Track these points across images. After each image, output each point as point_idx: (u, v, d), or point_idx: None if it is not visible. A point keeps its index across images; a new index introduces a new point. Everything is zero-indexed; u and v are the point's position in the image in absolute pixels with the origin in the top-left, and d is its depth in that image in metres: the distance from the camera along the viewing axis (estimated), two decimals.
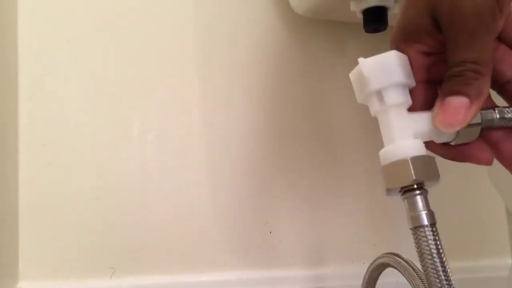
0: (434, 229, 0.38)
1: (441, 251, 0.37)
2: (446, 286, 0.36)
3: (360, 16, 0.79)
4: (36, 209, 0.80)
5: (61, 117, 0.83)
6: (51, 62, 0.83)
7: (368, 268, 0.71)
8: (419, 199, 0.38)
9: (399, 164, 0.38)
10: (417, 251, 0.38)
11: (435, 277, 0.37)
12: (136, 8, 0.89)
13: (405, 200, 0.39)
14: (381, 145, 0.41)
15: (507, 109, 0.40)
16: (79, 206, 0.82)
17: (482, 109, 0.39)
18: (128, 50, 0.87)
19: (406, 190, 0.39)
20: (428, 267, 0.37)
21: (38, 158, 0.81)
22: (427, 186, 0.39)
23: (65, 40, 0.84)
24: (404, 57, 0.40)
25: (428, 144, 0.41)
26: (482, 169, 0.82)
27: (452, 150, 0.42)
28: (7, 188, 0.77)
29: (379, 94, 0.40)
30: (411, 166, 0.38)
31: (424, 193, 0.39)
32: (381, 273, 0.70)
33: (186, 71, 0.90)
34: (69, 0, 0.85)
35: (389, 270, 0.67)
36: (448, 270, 0.37)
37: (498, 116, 0.40)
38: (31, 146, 0.81)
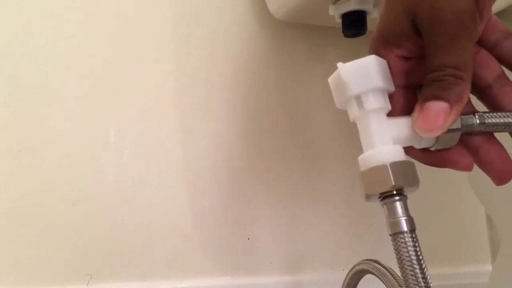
0: (413, 235, 0.38)
1: (420, 257, 0.37)
2: None
3: (339, 21, 0.79)
4: (12, 216, 0.79)
5: (38, 123, 0.82)
6: (27, 67, 0.82)
7: (347, 274, 0.71)
8: (398, 205, 0.38)
9: (378, 169, 0.38)
10: (396, 257, 0.38)
11: (414, 284, 0.37)
12: (111, 16, 0.88)
13: (384, 206, 0.39)
14: (360, 150, 0.40)
15: (487, 114, 0.40)
16: (56, 213, 0.81)
17: (462, 114, 0.39)
18: (105, 56, 0.86)
19: (385, 196, 0.38)
20: (407, 273, 0.37)
21: (14, 164, 0.80)
22: (406, 192, 0.39)
23: (40, 45, 0.83)
24: (383, 61, 0.40)
25: (408, 150, 0.41)
26: (462, 174, 0.82)
27: (431, 156, 0.42)
28: None
29: (358, 99, 0.40)
30: (390, 172, 0.38)
31: (404, 199, 0.38)
32: (360, 279, 0.70)
33: (163, 76, 0.89)
34: (38, 6, 0.84)
35: (368, 276, 0.67)
36: (428, 277, 0.37)
37: (478, 121, 0.40)
38: (7, 152, 0.80)
